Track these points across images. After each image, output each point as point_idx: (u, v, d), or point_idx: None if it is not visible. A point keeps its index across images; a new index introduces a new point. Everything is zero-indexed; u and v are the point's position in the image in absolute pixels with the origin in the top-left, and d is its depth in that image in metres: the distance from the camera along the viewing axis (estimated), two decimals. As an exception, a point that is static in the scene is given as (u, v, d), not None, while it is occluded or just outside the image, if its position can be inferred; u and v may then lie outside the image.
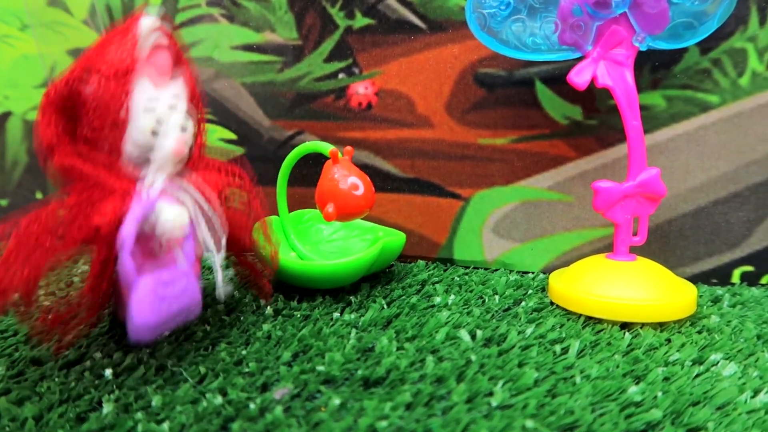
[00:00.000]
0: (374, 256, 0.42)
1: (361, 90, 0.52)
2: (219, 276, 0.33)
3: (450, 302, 0.42)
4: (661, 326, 0.38)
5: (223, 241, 0.34)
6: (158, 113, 0.30)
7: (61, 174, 0.30)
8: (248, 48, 0.53)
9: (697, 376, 0.32)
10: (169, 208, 0.30)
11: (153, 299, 0.29)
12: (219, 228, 0.33)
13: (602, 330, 0.37)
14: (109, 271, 0.31)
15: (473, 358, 0.33)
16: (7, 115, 0.61)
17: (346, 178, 0.40)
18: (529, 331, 0.37)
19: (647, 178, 0.39)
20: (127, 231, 0.28)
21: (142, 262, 0.32)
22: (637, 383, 0.31)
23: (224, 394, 0.30)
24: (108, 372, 0.33)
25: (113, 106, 0.29)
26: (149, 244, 0.31)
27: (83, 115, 0.30)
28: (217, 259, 0.33)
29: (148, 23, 0.31)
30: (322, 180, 0.41)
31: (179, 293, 0.30)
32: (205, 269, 0.49)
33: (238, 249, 0.38)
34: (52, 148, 0.30)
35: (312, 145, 0.44)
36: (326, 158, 0.42)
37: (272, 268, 0.41)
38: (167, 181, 0.32)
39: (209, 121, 0.55)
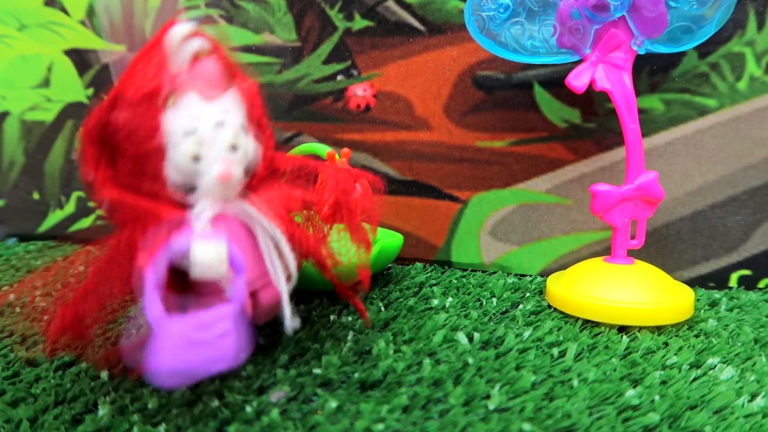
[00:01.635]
0: (372, 258, 0.42)
1: (360, 92, 0.52)
2: (286, 308, 0.30)
3: (447, 305, 0.42)
4: (658, 330, 0.38)
5: (293, 269, 0.30)
6: (200, 134, 0.27)
7: (109, 209, 0.28)
8: (247, 49, 0.53)
9: (695, 379, 0.32)
10: (203, 246, 0.27)
11: (181, 345, 0.25)
12: (287, 254, 0.30)
13: (600, 333, 0.37)
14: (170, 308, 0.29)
15: (470, 360, 0.33)
16: (5, 115, 0.60)
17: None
18: (526, 334, 0.37)
19: (645, 181, 0.39)
20: (154, 274, 0.25)
21: (186, 299, 0.29)
22: (634, 387, 0.31)
23: (221, 396, 0.30)
24: (104, 374, 0.32)
25: (145, 133, 0.26)
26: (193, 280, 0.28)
27: (119, 146, 0.27)
28: (285, 288, 0.30)
29: (181, 32, 0.27)
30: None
31: (218, 337, 0.26)
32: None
33: (320, 268, 0.34)
34: (93, 183, 0.27)
35: (309, 146, 0.44)
36: (324, 160, 0.42)
37: (363, 288, 0.35)
38: (223, 205, 0.29)
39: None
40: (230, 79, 0.29)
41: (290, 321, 0.30)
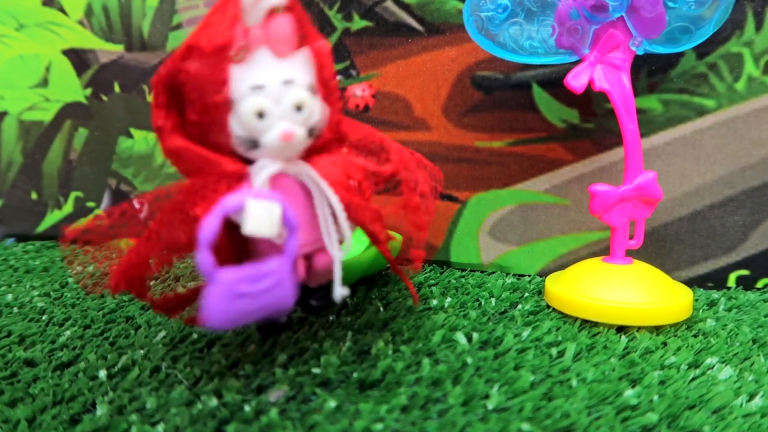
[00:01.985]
0: (371, 258, 0.42)
1: (359, 92, 0.52)
2: (337, 275, 0.30)
3: (446, 305, 0.42)
4: (657, 330, 0.38)
5: (348, 237, 0.30)
6: (267, 91, 0.27)
7: (173, 159, 0.28)
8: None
9: (693, 379, 0.32)
10: (256, 204, 0.26)
11: (230, 296, 0.26)
12: (343, 221, 0.29)
13: (598, 333, 0.37)
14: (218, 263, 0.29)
15: (469, 360, 0.33)
16: (3, 115, 0.60)
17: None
18: (525, 334, 0.37)
19: (644, 181, 0.39)
20: (207, 228, 0.26)
21: (262, 255, 0.29)
22: (633, 386, 0.31)
23: (219, 396, 0.30)
24: (102, 373, 0.32)
25: (213, 85, 0.26)
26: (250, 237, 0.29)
27: (188, 96, 0.27)
28: (338, 256, 0.30)
29: None
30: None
31: (266, 290, 0.27)
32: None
33: (373, 241, 0.34)
34: (159, 130, 0.27)
35: None
36: None
37: (414, 268, 0.34)
38: (284, 165, 0.28)
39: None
40: (303, 38, 0.29)
41: (339, 289, 0.30)
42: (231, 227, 0.28)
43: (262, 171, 0.28)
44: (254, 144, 0.28)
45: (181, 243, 0.29)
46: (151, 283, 0.31)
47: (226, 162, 0.28)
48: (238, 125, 0.27)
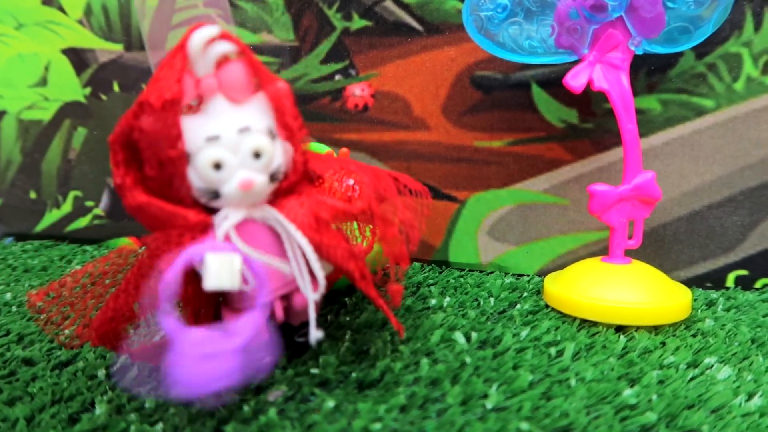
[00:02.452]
0: (369, 257, 0.42)
1: (358, 92, 0.52)
2: (312, 317, 0.29)
3: (445, 304, 0.42)
4: (656, 329, 0.38)
5: (321, 277, 0.29)
6: (223, 141, 0.27)
7: (136, 214, 0.28)
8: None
9: (692, 379, 0.32)
10: (215, 257, 0.26)
11: (195, 358, 0.25)
12: (314, 262, 0.29)
13: (597, 333, 0.37)
14: (197, 308, 0.29)
15: (468, 360, 0.33)
16: (2, 114, 0.60)
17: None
18: (524, 333, 0.37)
19: (642, 181, 0.39)
20: (166, 282, 0.25)
21: (235, 302, 0.29)
22: (631, 386, 0.31)
23: (218, 395, 0.30)
24: (101, 373, 0.32)
25: (166, 140, 0.26)
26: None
27: (144, 152, 0.26)
28: (312, 298, 0.29)
29: (202, 35, 0.27)
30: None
31: (238, 349, 0.26)
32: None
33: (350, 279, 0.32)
34: (120, 188, 0.27)
35: (308, 146, 0.43)
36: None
37: (393, 304, 0.33)
38: (249, 211, 0.28)
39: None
40: (258, 82, 0.28)
41: (314, 332, 0.29)
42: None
43: (225, 222, 0.27)
44: (215, 195, 0.27)
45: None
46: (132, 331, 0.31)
47: (190, 213, 0.27)
48: (197, 177, 0.27)
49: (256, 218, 0.29)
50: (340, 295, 0.43)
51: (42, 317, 0.29)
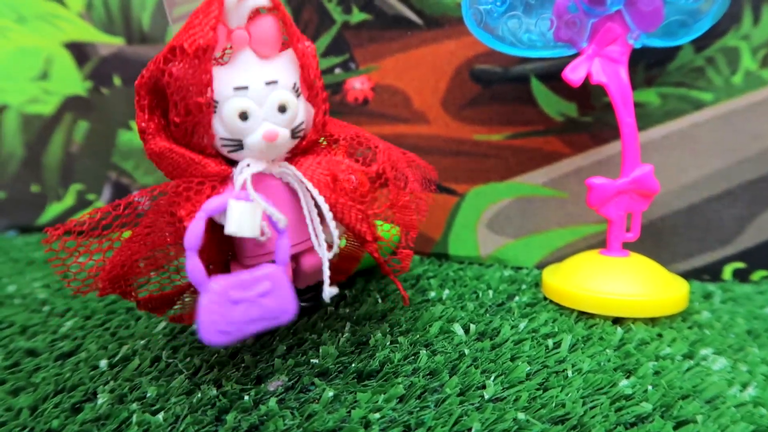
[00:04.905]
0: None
1: (358, 85, 0.52)
2: (326, 274, 0.29)
3: (444, 297, 0.42)
4: (653, 321, 0.38)
5: (336, 237, 0.30)
6: (251, 92, 0.27)
7: (157, 160, 0.28)
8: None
9: (688, 370, 0.32)
10: (238, 207, 0.26)
11: (223, 303, 0.26)
12: (330, 221, 0.29)
13: (594, 325, 0.38)
14: (207, 262, 0.29)
15: (466, 351, 0.33)
16: (3, 108, 0.61)
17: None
18: (522, 325, 0.37)
19: (641, 174, 0.40)
20: (192, 230, 0.26)
21: (245, 252, 0.29)
22: (628, 377, 0.31)
23: (219, 385, 0.30)
24: (103, 363, 0.33)
25: (195, 87, 0.26)
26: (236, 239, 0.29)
27: (171, 98, 0.26)
28: (326, 255, 0.29)
29: None
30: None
31: (263, 295, 0.27)
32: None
33: (360, 241, 0.33)
34: (143, 132, 0.27)
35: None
36: None
37: (403, 268, 0.33)
38: (268, 165, 0.28)
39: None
40: (287, 38, 0.29)
41: (328, 289, 0.29)
42: (217, 228, 0.28)
43: (245, 171, 0.28)
44: (238, 145, 0.28)
45: (167, 244, 0.29)
46: (143, 279, 0.31)
47: (210, 163, 0.28)
48: (222, 127, 0.27)
49: (274, 173, 0.29)
50: (339, 288, 0.44)
51: (58, 249, 0.29)
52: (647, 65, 0.46)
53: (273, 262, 0.28)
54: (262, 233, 0.28)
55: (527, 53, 0.41)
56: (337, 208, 0.29)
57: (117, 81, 0.58)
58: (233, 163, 0.28)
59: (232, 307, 0.26)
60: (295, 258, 0.31)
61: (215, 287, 0.26)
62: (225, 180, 0.28)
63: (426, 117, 0.51)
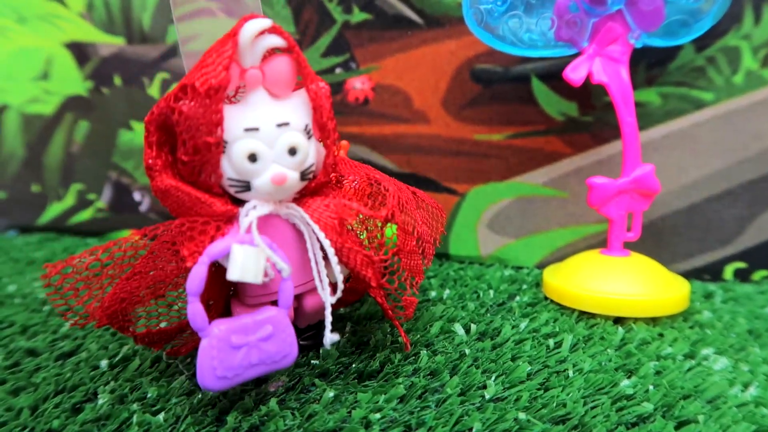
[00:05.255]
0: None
1: (358, 85, 0.52)
2: (327, 320, 0.29)
3: (445, 296, 0.42)
4: (654, 321, 0.38)
5: (340, 282, 0.29)
6: (261, 133, 0.27)
7: (162, 198, 0.28)
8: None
9: (689, 370, 0.32)
10: (241, 253, 0.26)
11: (223, 349, 0.26)
12: (335, 266, 0.29)
13: (595, 324, 0.38)
14: (208, 298, 0.29)
15: (467, 351, 0.33)
16: (4, 107, 0.61)
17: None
18: (522, 325, 0.37)
19: (641, 174, 0.40)
20: (194, 274, 0.25)
21: (248, 293, 0.29)
22: (629, 377, 0.31)
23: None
24: (104, 363, 0.33)
25: (206, 126, 0.26)
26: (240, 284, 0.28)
27: (180, 136, 0.26)
28: (328, 299, 0.29)
29: (254, 26, 0.27)
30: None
31: (262, 341, 0.27)
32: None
33: (363, 287, 0.33)
34: (150, 169, 0.27)
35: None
36: None
37: (406, 315, 0.33)
38: (276, 207, 0.28)
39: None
40: (302, 79, 0.28)
41: (329, 336, 0.29)
42: (219, 266, 0.28)
43: (251, 212, 0.27)
44: (246, 186, 0.27)
45: (170, 279, 0.29)
46: (142, 312, 0.31)
47: (216, 203, 0.27)
48: (230, 167, 0.27)
49: (281, 215, 0.29)
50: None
51: (55, 288, 0.29)
52: (648, 65, 0.46)
53: (275, 302, 0.28)
54: (266, 275, 0.27)
55: (528, 53, 0.41)
56: (343, 252, 0.29)
57: (117, 81, 0.58)
58: (240, 201, 0.28)
59: (232, 352, 0.26)
60: (298, 298, 0.31)
61: (216, 332, 0.26)
62: (231, 219, 0.28)
63: (426, 117, 0.51)
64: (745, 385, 0.31)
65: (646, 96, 0.46)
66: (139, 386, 0.30)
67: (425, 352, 0.33)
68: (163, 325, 0.31)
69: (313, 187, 0.30)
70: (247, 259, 0.26)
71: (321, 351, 0.33)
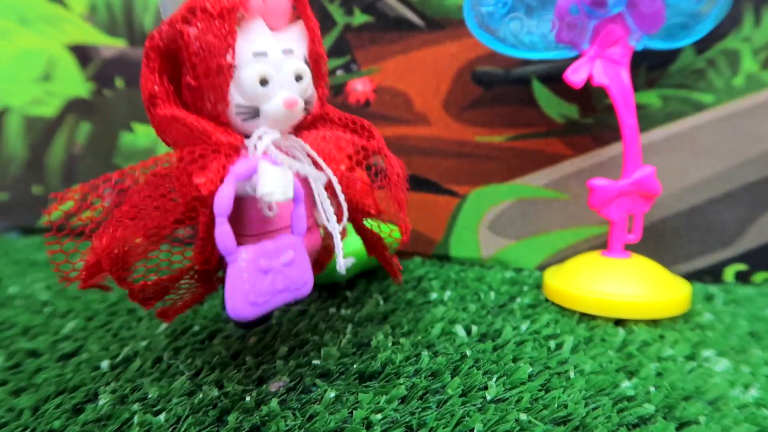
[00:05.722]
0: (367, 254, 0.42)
1: (359, 87, 0.52)
2: (338, 247, 0.29)
3: (446, 298, 0.42)
4: (655, 323, 0.38)
5: (345, 209, 0.29)
6: (270, 58, 0.27)
7: (164, 128, 0.27)
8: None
9: (690, 371, 0.32)
10: (271, 169, 0.26)
11: (253, 273, 0.25)
12: (340, 194, 0.29)
13: (596, 326, 0.38)
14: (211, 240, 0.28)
15: (468, 352, 0.33)
16: (6, 109, 0.61)
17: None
18: (523, 326, 0.37)
19: (642, 176, 0.40)
20: (223, 194, 0.25)
21: (248, 228, 0.29)
22: (630, 378, 0.31)
23: (220, 386, 0.30)
24: (105, 364, 0.33)
25: (217, 48, 0.25)
26: (256, 208, 0.28)
27: (186, 60, 0.25)
28: (337, 228, 0.29)
29: None
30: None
31: (286, 266, 0.27)
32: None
33: (362, 216, 0.33)
34: (153, 96, 0.26)
35: None
36: None
37: (403, 240, 0.34)
38: (280, 137, 0.28)
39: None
40: (297, 12, 0.29)
41: (342, 261, 0.29)
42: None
43: (264, 137, 0.27)
44: (254, 113, 0.27)
45: (170, 221, 0.27)
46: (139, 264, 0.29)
47: (222, 132, 0.27)
48: (238, 93, 0.27)
49: (282, 146, 0.29)
50: (341, 289, 0.44)
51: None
52: (648, 67, 0.46)
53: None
54: (270, 208, 0.27)
55: (529, 55, 0.41)
56: (343, 182, 0.29)
57: (119, 83, 0.58)
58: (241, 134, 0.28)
59: (261, 276, 0.25)
60: None
61: (245, 255, 0.25)
62: (236, 150, 0.27)
63: (427, 118, 0.51)
64: (746, 387, 0.31)
65: (647, 98, 0.46)
66: (140, 387, 0.30)
67: (426, 353, 0.33)
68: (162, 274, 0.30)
69: (308, 121, 0.30)
70: (277, 175, 0.26)
71: (322, 351, 0.33)
